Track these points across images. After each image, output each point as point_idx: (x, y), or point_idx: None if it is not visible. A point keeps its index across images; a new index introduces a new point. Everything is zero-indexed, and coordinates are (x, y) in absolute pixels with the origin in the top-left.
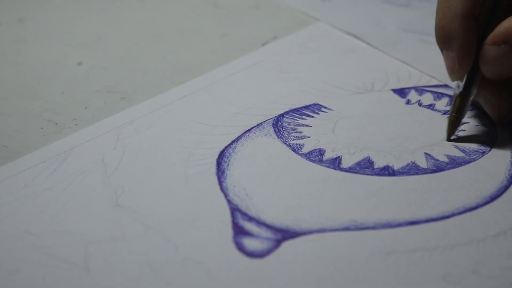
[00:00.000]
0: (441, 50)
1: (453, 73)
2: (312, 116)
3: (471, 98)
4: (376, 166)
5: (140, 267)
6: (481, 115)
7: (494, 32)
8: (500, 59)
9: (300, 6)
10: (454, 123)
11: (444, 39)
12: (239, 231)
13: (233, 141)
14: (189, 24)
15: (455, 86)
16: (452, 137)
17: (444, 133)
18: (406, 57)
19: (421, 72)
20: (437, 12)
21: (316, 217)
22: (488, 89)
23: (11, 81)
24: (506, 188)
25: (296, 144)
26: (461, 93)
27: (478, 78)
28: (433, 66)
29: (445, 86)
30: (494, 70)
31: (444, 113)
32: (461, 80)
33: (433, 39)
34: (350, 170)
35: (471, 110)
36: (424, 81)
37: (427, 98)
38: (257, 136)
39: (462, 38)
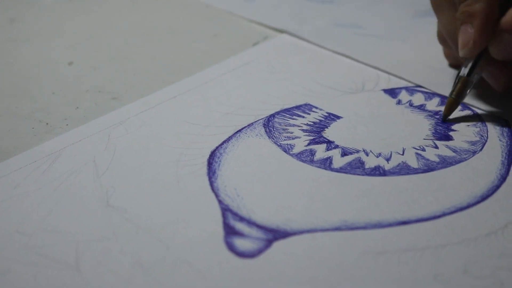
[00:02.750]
0: (460, 25)
1: (465, 48)
2: (303, 116)
3: (473, 83)
4: (367, 166)
5: (131, 266)
6: (472, 115)
7: (509, 16)
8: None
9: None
10: (452, 105)
11: (468, 14)
12: (230, 231)
13: (224, 142)
14: (180, 24)
15: (460, 69)
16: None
17: (439, 134)
18: (341, 49)
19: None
20: None
21: (307, 217)
22: (495, 66)
23: (2, 81)
24: (497, 187)
25: (287, 144)
26: (464, 77)
27: (483, 61)
28: (370, 56)
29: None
30: (505, 54)
31: (435, 113)
32: (471, 57)
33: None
34: (341, 170)
35: (461, 110)
36: (417, 81)
37: (418, 98)
38: (248, 137)
39: (485, 18)
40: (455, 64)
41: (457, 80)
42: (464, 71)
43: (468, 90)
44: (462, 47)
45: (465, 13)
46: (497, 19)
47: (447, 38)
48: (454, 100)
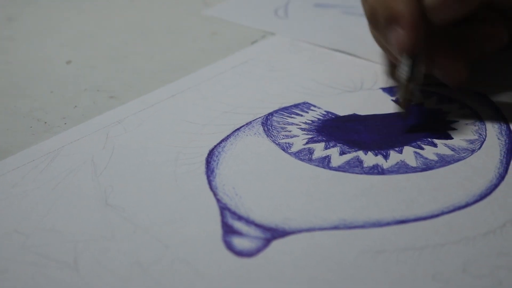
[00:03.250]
0: (389, 31)
1: (405, 50)
2: (301, 115)
3: (419, 82)
4: (365, 165)
5: (129, 266)
6: (470, 113)
7: None
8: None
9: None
10: (407, 104)
11: (393, 18)
12: (228, 230)
13: (222, 140)
14: (178, 23)
15: (401, 68)
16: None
17: (437, 133)
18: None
19: None
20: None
21: (305, 216)
22: (445, 58)
23: (0, 80)
24: (495, 186)
25: (285, 143)
26: (409, 79)
27: (422, 60)
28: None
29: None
30: (441, 14)
31: (434, 112)
32: (414, 54)
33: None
34: (340, 169)
35: (460, 108)
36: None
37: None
38: (246, 135)
39: (412, 13)
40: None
41: (401, 83)
42: (407, 70)
43: (414, 94)
44: (400, 51)
45: (388, 18)
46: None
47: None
48: (406, 101)
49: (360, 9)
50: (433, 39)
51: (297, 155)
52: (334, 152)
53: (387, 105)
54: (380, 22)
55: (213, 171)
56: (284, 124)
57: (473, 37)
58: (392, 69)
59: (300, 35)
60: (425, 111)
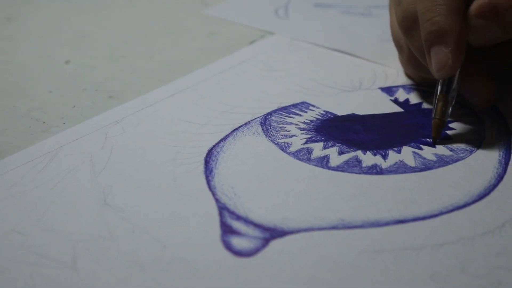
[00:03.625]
0: (430, 47)
1: (443, 70)
2: (300, 115)
3: (454, 98)
4: (364, 165)
5: (128, 266)
6: (469, 113)
7: (479, 2)
8: (488, 28)
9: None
10: (439, 126)
11: (438, 34)
12: (227, 230)
13: (221, 140)
14: (177, 23)
15: (437, 87)
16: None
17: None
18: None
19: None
20: (423, 10)
21: (304, 216)
22: (474, 80)
23: None
24: (494, 186)
25: (284, 142)
26: (443, 95)
27: (459, 76)
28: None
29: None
30: (481, 40)
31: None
32: (453, 75)
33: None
34: (338, 168)
35: (459, 108)
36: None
37: (415, 97)
38: (245, 135)
39: (459, 33)
40: (424, 82)
41: (436, 100)
42: (442, 87)
43: (451, 107)
44: (439, 69)
45: (434, 33)
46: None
47: (423, 60)
48: (440, 121)
49: (359, 9)
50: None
51: (296, 154)
52: (332, 152)
53: (385, 105)
54: (415, 34)
55: (211, 171)
56: (283, 124)
57: (498, 55)
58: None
59: (299, 34)
60: (424, 111)
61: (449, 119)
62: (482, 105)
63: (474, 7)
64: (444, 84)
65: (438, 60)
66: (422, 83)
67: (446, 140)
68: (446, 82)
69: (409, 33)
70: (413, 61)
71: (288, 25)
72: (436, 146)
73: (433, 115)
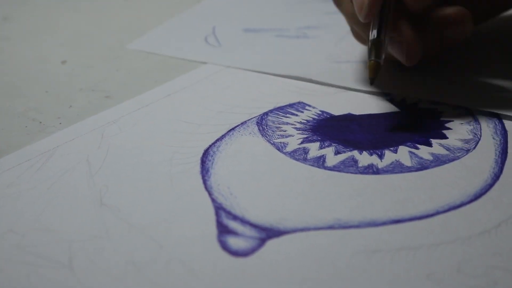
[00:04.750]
0: None
1: (361, 12)
2: (296, 115)
3: (385, 43)
4: (360, 165)
5: (124, 266)
6: (465, 113)
7: None
8: None
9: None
10: (375, 67)
11: None
12: (223, 230)
13: (217, 140)
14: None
15: (369, 34)
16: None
17: (432, 132)
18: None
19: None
20: None
21: (300, 216)
22: (401, 30)
23: None
24: (490, 186)
25: (280, 142)
26: (372, 40)
27: (389, 21)
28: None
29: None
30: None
31: (429, 112)
32: (371, 18)
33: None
34: (335, 168)
35: (455, 108)
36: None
37: (411, 97)
38: (242, 135)
39: None
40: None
41: (369, 44)
42: (373, 33)
43: (384, 53)
44: (359, 11)
45: None
46: None
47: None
48: (375, 62)
49: (292, 31)
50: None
51: (292, 154)
52: (329, 151)
53: (382, 105)
54: None
55: (208, 170)
56: (279, 124)
57: (435, 19)
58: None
59: (242, 63)
60: (420, 110)
61: (445, 118)
62: (404, 59)
63: None
64: (377, 28)
65: (357, 3)
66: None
67: (443, 139)
68: (377, 25)
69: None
70: (350, 14)
71: (222, 54)
72: (432, 144)
73: (368, 58)
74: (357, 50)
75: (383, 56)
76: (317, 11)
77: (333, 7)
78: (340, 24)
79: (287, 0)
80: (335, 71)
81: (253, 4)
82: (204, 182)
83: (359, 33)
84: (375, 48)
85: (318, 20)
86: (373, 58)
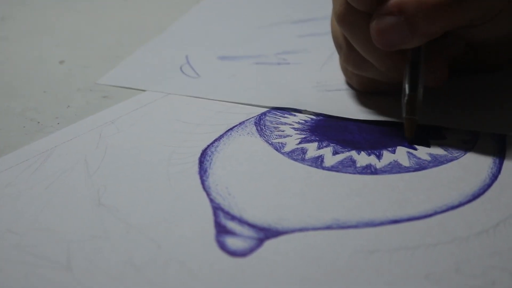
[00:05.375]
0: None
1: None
2: (295, 115)
3: (421, 96)
4: (358, 165)
5: (122, 265)
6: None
7: (387, 2)
8: (395, 29)
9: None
10: (411, 124)
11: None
12: (221, 230)
13: (216, 140)
14: (171, 22)
15: (403, 87)
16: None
17: (430, 132)
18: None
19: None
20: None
21: (298, 216)
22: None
23: None
24: (488, 186)
25: (279, 142)
26: (410, 94)
27: (422, 75)
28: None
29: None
30: (389, 41)
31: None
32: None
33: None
34: (333, 169)
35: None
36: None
37: None
38: (240, 135)
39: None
40: (373, 90)
41: (405, 100)
42: (405, 88)
43: (420, 104)
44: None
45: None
46: None
47: (368, 56)
48: (411, 119)
49: (271, 58)
50: None
51: (290, 155)
52: (327, 152)
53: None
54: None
55: (206, 171)
56: (277, 124)
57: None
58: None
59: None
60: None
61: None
62: (432, 84)
63: (384, 5)
64: (409, 82)
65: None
66: (362, 90)
67: (441, 139)
68: (408, 79)
69: (351, 30)
70: (351, 58)
71: (203, 85)
72: (430, 145)
73: (403, 114)
74: (342, 76)
75: (419, 112)
76: (290, 35)
77: (305, 30)
78: (318, 48)
79: (256, 24)
80: (329, 100)
81: (223, 30)
82: (202, 182)
83: (349, 67)
84: (410, 104)
85: (294, 44)
86: (409, 116)
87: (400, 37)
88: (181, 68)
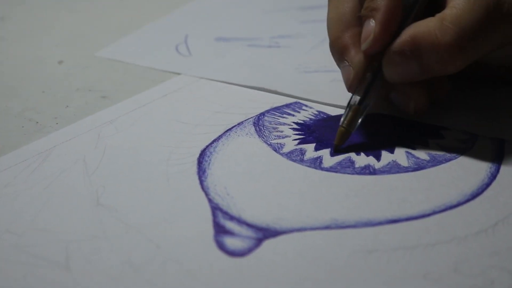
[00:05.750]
0: (338, 63)
1: (365, 41)
2: (293, 115)
3: (365, 111)
4: (357, 165)
5: (121, 266)
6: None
7: (401, 39)
8: (405, 65)
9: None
10: (344, 135)
11: (340, 51)
12: (220, 230)
13: (214, 140)
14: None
15: (351, 96)
16: (341, 147)
17: (429, 132)
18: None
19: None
20: (329, 27)
21: (297, 216)
22: (400, 91)
23: None
24: (487, 185)
25: (277, 143)
26: (354, 106)
27: (376, 90)
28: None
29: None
30: (397, 76)
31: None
32: (371, 52)
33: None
34: (331, 169)
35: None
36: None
37: None
38: (238, 135)
39: (388, 12)
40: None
41: (348, 109)
42: (355, 98)
43: (360, 119)
44: (363, 40)
45: (369, 8)
46: (399, 24)
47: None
48: (345, 130)
49: (264, 41)
50: None
51: (289, 155)
52: (325, 152)
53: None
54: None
55: (204, 171)
56: (276, 124)
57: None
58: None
59: (212, 74)
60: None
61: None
62: (410, 113)
63: (396, 42)
64: (360, 96)
65: (344, 75)
66: None
67: (439, 139)
68: (363, 94)
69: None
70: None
71: (191, 64)
72: (429, 144)
73: (341, 122)
74: (328, 58)
75: (356, 126)
76: (293, 20)
77: (310, 16)
78: (314, 33)
79: (265, 8)
80: (301, 82)
81: (230, 13)
82: (201, 182)
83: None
84: (352, 116)
85: (293, 29)
86: (345, 126)
87: (409, 73)
88: (176, 47)
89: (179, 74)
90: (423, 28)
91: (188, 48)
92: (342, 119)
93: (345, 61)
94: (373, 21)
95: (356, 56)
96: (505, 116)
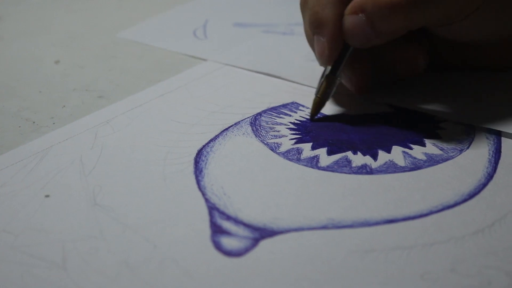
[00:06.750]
0: (313, 35)
1: (322, 58)
2: (290, 115)
3: (337, 81)
4: (354, 165)
5: (118, 266)
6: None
7: (352, 2)
8: (359, 28)
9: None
10: (318, 104)
11: (316, 25)
12: (217, 230)
13: (211, 140)
14: None
15: (325, 68)
16: (316, 117)
17: (426, 132)
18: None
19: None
20: (311, 2)
21: (294, 216)
22: (350, 68)
23: None
24: (483, 185)
25: (274, 143)
26: (327, 76)
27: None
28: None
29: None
30: (355, 39)
31: (422, 112)
32: (329, 64)
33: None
34: (328, 169)
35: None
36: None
37: None
38: (235, 135)
39: (333, 23)
40: None
41: (322, 79)
42: (328, 69)
43: (334, 89)
44: (320, 57)
45: (315, 23)
46: None
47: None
48: (319, 99)
49: (280, 27)
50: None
51: (286, 155)
52: (322, 152)
53: (375, 105)
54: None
55: (201, 171)
56: (273, 124)
57: (387, 57)
58: None
59: (224, 58)
60: (414, 111)
61: (439, 118)
62: (353, 91)
63: (348, 6)
64: (332, 67)
65: (317, 49)
66: None
67: (436, 139)
68: (334, 64)
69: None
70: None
71: (203, 47)
72: (425, 144)
73: (315, 92)
74: None
75: (330, 96)
76: None
77: None
78: None
79: None
80: (305, 70)
81: None
82: (198, 182)
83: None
84: (326, 85)
85: None
86: (319, 96)
87: (365, 35)
88: (194, 31)
89: (178, 73)
90: None
91: (205, 33)
92: (316, 90)
93: (320, 36)
94: (322, 37)
95: (330, 32)
96: (501, 106)
